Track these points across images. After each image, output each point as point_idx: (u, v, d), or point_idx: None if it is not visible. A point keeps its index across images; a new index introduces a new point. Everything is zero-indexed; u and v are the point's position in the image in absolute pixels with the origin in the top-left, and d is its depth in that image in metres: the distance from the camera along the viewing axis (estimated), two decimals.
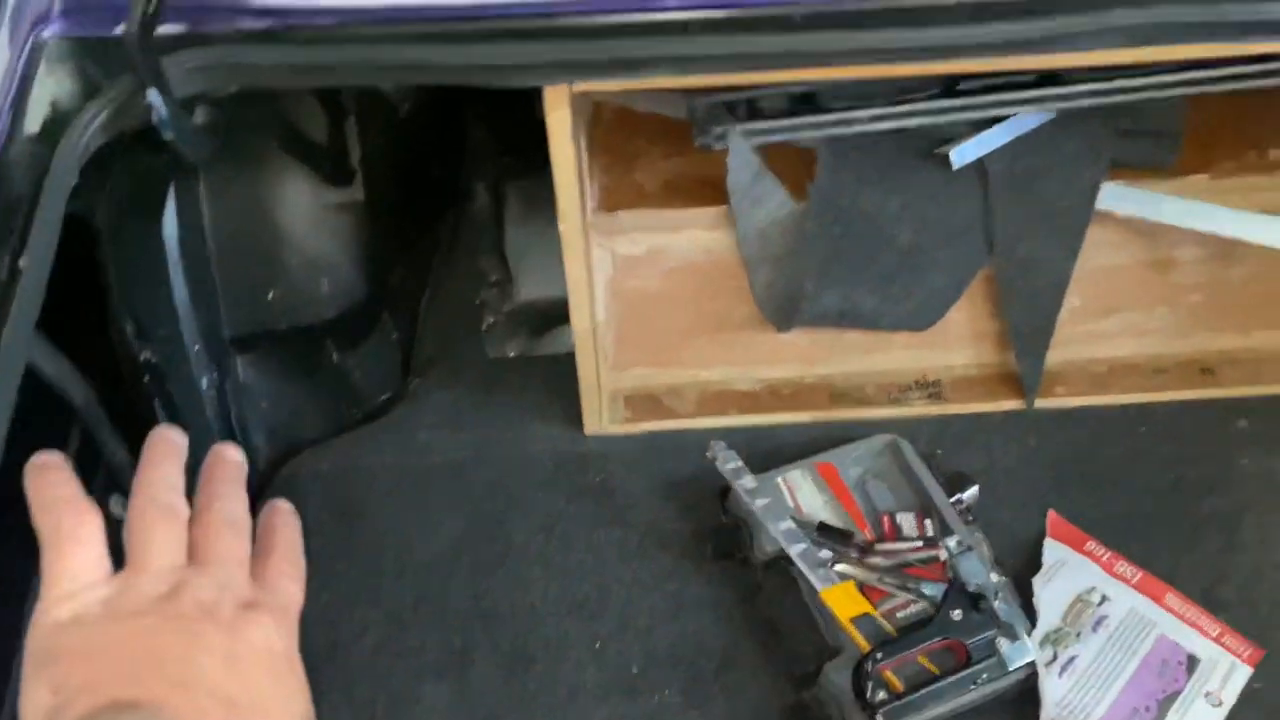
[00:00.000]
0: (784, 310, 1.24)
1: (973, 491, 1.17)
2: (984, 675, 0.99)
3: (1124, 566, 1.12)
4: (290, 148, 1.19)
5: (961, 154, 1.22)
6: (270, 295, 1.24)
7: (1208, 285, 1.28)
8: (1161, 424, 1.24)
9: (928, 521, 1.12)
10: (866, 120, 1.23)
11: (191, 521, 0.72)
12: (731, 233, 1.25)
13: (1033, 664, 1.01)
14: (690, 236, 1.26)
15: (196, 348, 1.17)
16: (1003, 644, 1.01)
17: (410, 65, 0.78)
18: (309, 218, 1.24)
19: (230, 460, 0.79)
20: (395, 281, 1.35)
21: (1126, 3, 0.78)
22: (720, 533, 1.15)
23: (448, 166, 1.51)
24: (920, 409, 1.26)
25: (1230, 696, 1.02)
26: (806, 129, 1.24)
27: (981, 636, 1.01)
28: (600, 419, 1.26)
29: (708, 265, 1.27)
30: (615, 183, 1.30)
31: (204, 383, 1.19)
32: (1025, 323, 1.24)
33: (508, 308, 1.41)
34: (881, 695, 0.98)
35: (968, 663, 1.00)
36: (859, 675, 0.98)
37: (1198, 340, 1.28)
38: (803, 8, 0.77)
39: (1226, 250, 1.26)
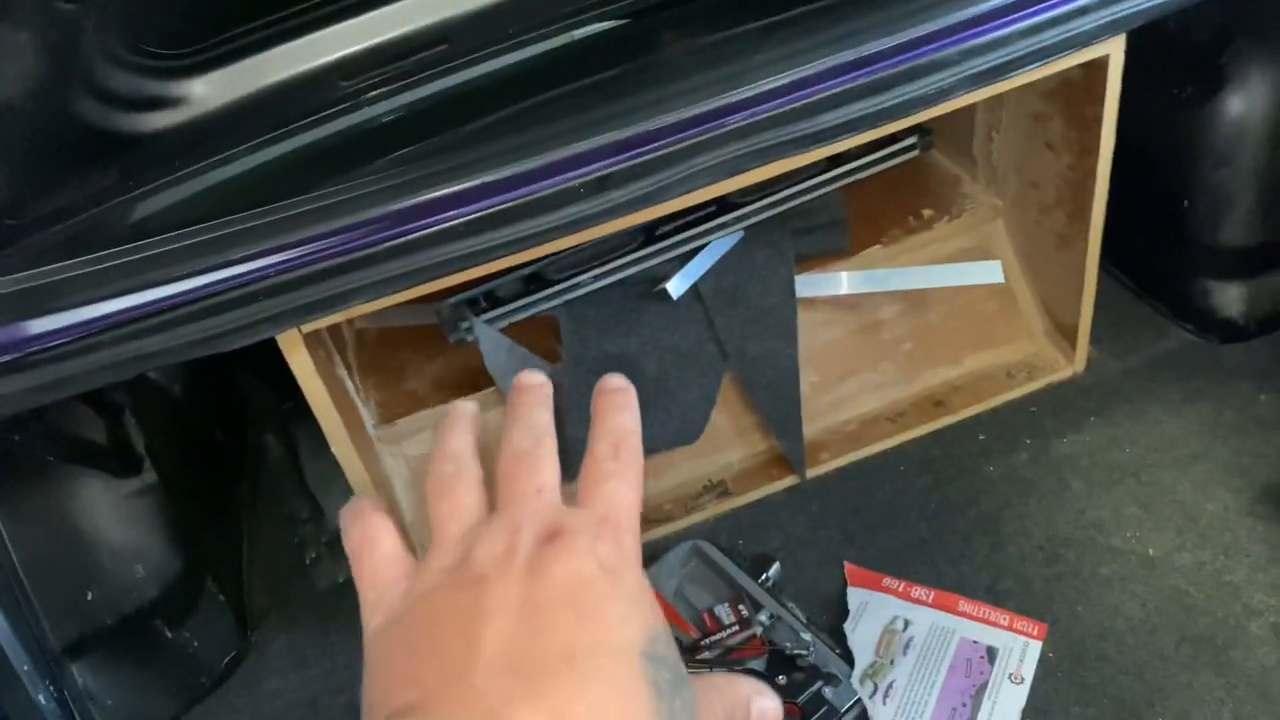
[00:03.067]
0: (566, 462, 1.36)
1: (776, 567, 1.29)
2: None
3: (918, 591, 1.26)
4: (73, 455, 1.26)
5: (677, 286, 1.41)
6: (89, 596, 1.28)
7: (914, 333, 1.48)
8: (915, 459, 1.41)
9: (742, 606, 1.23)
10: (590, 281, 1.41)
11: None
12: (499, 410, 1.39)
13: (859, 700, 1.12)
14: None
15: (25, 667, 1.19)
16: (828, 692, 1.12)
17: (144, 355, 0.88)
18: (108, 513, 1.29)
19: (525, 385, 0.75)
20: (209, 546, 1.40)
21: (706, 149, 0.96)
22: None
23: (233, 427, 1.59)
24: (715, 509, 1.39)
25: (1029, 671, 1.16)
26: (541, 302, 1.41)
27: (808, 692, 1.12)
28: None
29: (494, 442, 1.39)
30: (390, 395, 1.42)
31: (42, 699, 1.21)
32: (775, 409, 1.41)
33: (325, 538, 1.48)
34: None
35: (804, 719, 1.10)
36: None
37: (922, 380, 1.47)
38: (463, 218, 0.92)
39: (917, 300, 1.48)
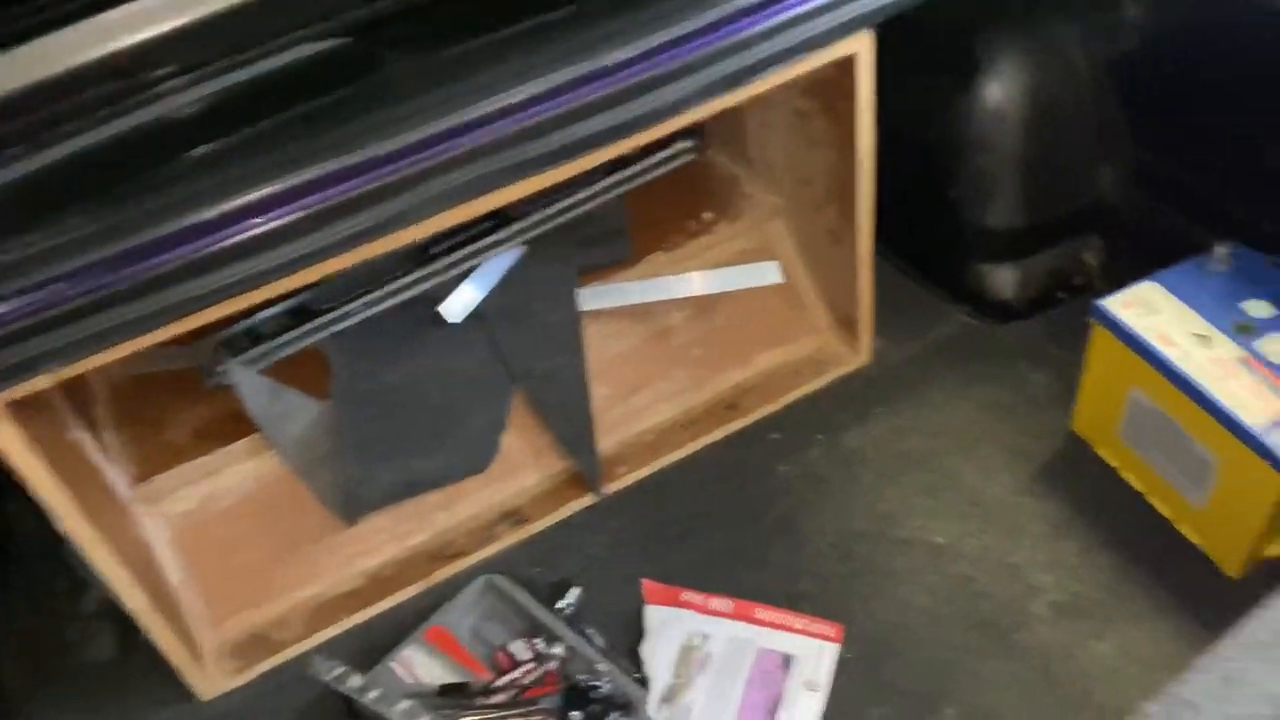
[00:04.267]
0: (348, 504, 1.28)
1: (574, 593, 1.25)
2: None
3: (718, 602, 1.24)
4: None
5: (452, 309, 1.35)
6: None
7: (703, 338, 1.46)
8: (712, 465, 1.39)
9: (538, 641, 1.18)
10: (360, 310, 1.33)
11: None
12: (274, 454, 1.29)
13: None
14: (235, 473, 1.29)
15: None
16: None
17: None
18: None
19: None
20: None
21: (442, 171, 0.90)
22: None
23: None
24: (511, 538, 1.34)
25: (825, 676, 1.15)
26: (307, 336, 1.32)
27: None
28: (209, 681, 1.23)
29: (264, 492, 1.30)
30: (146, 450, 1.30)
31: None
32: (567, 428, 1.36)
33: (88, 610, 1.35)
34: None
35: None
36: None
37: (714, 384, 1.45)
38: (168, 265, 0.83)
39: (704, 304, 1.46)
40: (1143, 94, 1.41)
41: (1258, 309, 1.17)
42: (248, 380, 1.25)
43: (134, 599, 1.11)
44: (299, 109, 0.97)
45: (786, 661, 1.16)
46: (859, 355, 1.47)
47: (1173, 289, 1.21)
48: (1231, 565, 1.18)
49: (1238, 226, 1.32)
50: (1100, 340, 1.23)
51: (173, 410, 1.34)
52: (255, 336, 1.31)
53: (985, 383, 1.44)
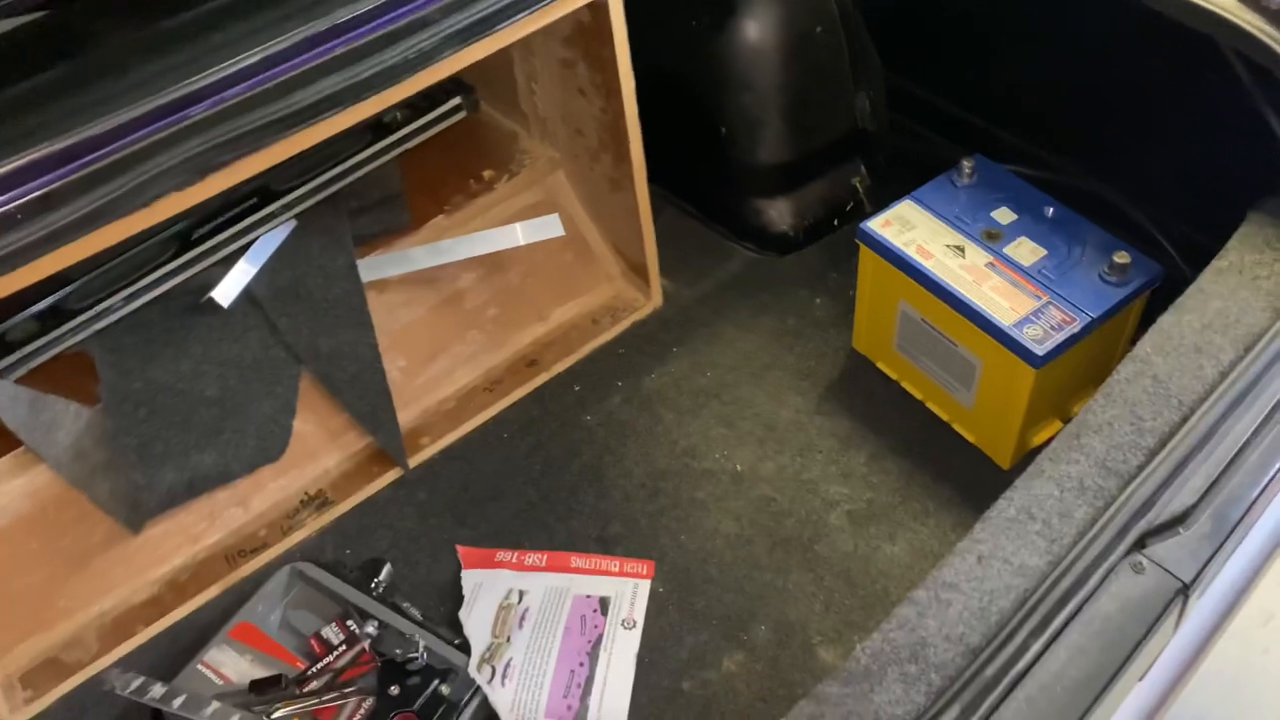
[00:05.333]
0: (132, 511, 1.22)
1: (387, 569, 1.23)
2: None
3: (532, 557, 1.24)
4: None
5: (226, 293, 1.28)
6: None
7: (497, 297, 1.45)
8: (517, 423, 1.39)
9: (350, 622, 1.15)
10: (121, 305, 1.24)
11: None
12: (45, 467, 1.21)
13: (477, 689, 1.09)
14: (3, 493, 1.20)
15: None
16: (445, 689, 1.08)
17: None
18: None
19: None
20: None
21: (166, 147, 0.85)
22: None
23: None
24: (316, 523, 1.30)
25: (640, 613, 1.18)
26: (65, 338, 1.23)
27: (423, 696, 1.07)
28: (2, 715, 1.15)
29: (38, 508, 1.21)
30: None
31: None
32: (363, 404, 1.33)
33: None
34: None
35: None
36: None
37: (512, 343, 1.45)
38: None
39: (494, 263, 1.45)
40: (886, 18, 1.47)
41: (1003, 215, 1.25)
42: (2, 392, 1.16)
43: None
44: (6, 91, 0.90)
45: (603, 604, 1.18)
46: (651, 300, 1.49)
47: (927, 205, 1.28)
48: (1003, 457, 1.27)
49: (981, 139, 1.41)
50: (867, 260, 1.29)
51: None
52: (4, 344, 1.21)
53: (772, 313, 1.49)
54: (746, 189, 1.55)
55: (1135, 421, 0.86)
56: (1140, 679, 0.85)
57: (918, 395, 1.35)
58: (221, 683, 1.13)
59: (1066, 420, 1.04)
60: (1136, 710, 0.92)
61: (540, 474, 1.34)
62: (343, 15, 0.94)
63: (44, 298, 1.24)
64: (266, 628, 1.18)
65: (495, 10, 1.00)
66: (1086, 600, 0.77)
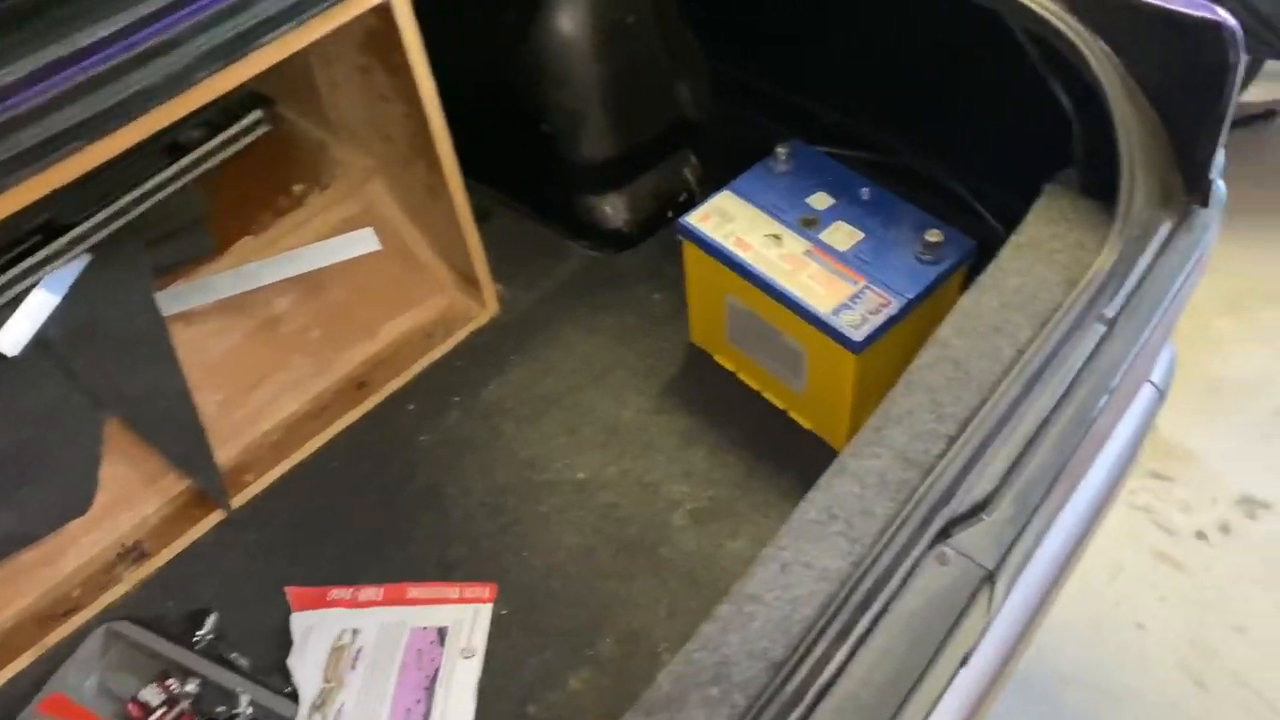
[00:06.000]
0: None
1: (212, 619, 1.16)
2: None
3: (367, 592, 1.19)
4: None
5: (12, 341, 1.19)
6: None
7: (319, 318, 1.38)
8: (349, 450, 1.33)
9: (171, 681, 1.09)
10: None
11: None
12: None
13: None
14: None
15: None
16: None
17: None
18: None
19: None
20: None
21: None
22: None
23: None
24: (135, 576, 1.22)
25: (480, 639, 1.14)
26: None
27: None
28: None
29: None
30: None
31: None
32: (176, 445, 1.25)
33: None
34: None
35: None
36: None
37: (340, 365, 1.38)
38: None
39: (313, 283, 1.38)
40: (703, 3, 1.45)
41: (819, 201, 1.24)
42: None
43: None
44: None
45: (441, 635, 1.14)
46: (486, 308, 1.44)
47: (745, 195, 1.26)
48: (838, 440, 1.26)
49: (804, 121, 1.39)
50: (691, 254, 1.27)
51: None
52: None
53: (611, 312, 1.46)
54: (576, 186, 1.51)
55: (935, 409, 0.85)
56: (963, 664, 0.85)
57: (754, 385, 1.33)
58: None
59: None
60: (964, 695, 0.92)
61: (375, 502, 1.28)
62: (83, 39, 0.87)
63: None
64: (80, 697, 1.10)
65: (254, 25, 0.94)
66: (892, 599, 0.76)
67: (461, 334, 1.43)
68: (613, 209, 1.51)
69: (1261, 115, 2.28)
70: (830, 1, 1.33)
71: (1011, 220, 1.03)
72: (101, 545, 1.24)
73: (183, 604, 1.20)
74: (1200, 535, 1.67)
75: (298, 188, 1.39)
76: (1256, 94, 2.24)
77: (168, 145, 1.33)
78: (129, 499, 1.26)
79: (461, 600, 1.17)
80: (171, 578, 1.23)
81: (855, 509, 0.80)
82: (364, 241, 1.31)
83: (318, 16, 1.01)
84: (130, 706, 1.08)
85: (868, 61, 1.34)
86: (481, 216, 1.46)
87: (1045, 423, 0.85)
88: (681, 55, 1.47)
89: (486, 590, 1.18)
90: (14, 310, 1.21)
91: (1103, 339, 0.89)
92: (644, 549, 1.21)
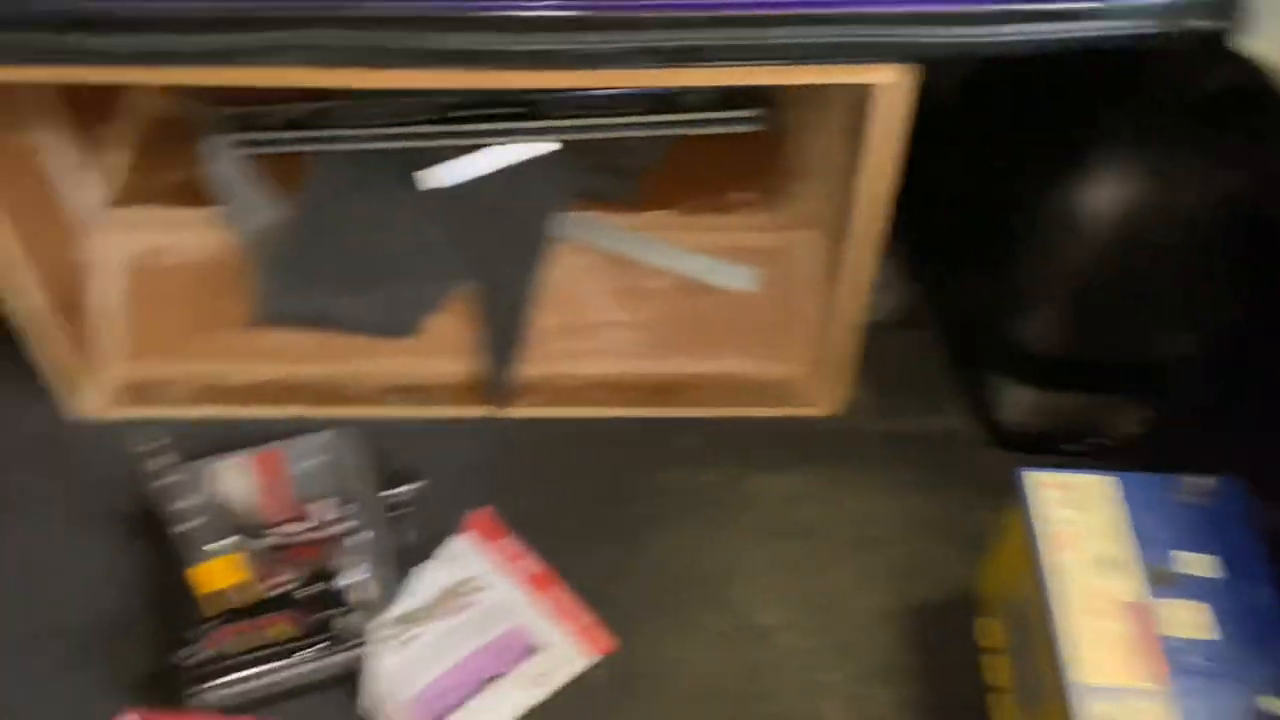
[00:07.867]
0: (258, 307, 1.31)
1: (410, 488, 1.23)
2: (313, 651, 1.07)
3: (527, 562, 1.19)
4: None
5: (431, 178, 1.32)
6: None
7: (676, 313, 1.36)
8: (609, 438, 1.32)
9: (345, 509, 1.18)
10: (351, 140, 1.33)
11: None
12: (232, 235, 1.34)
13: (363, 641, 1.08)
14: (193, 235, 1.34)
15: None
16: (338, 624, 1.08)
17: None
18: None
19: None
20: None
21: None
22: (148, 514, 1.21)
23: None
24: (396, 411, 1.33)
25: (559, 680, 1.09)
26: (300, 143, 1.34)
27: (321, 615, 1.08)
28: (83, 403, 1.32)
29: (210, 264, 1.35)
30: (140, 179, 1.38)
31: None
32: (495, 337, 1.33)
33: None
34: (208, 655, 1.05)
35: (303, 637, 1.07)
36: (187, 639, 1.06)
37: (661, 363, 1.36)
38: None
39: (689, 282, 1.36)
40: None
41: (1195, 564, 0.95)
42: (225, 161, 1.29)
43: (21, 298, 1.20)
44: None
45: (530, 650, 1.11)
46: (823, 405, 1.34)
47: (1125, 492, 1.00)
48: None
49: None
50: (1014, 510, 1.05)
51: (183, 155, 1.39)
52: (253, 124, 1.35)
53: (929, 495, 1.27)
54: (998, 357, 1.31)
55: None
56: None
57: (989, 680, 1.10)
58: (210, 490, 1.17)
59: None
60: None
61: (590, 498, 1.27)
62: None
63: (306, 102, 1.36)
64: (292, 468, 1.23)
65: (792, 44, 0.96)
66: None
67: (782, 410, 1.34)
68: (1013, 398, 1.30)
69: None
70: None
71: None
72: (389, 370, 1.36)
73: (401, 457, 1.26)
74: None
75: (743, 195, 1.37)
76: None
77: (664, 96, 1.37)
78: (431, 350, 1.35)
79: (579, 634, 1.13)
80: (414, 434, 1.31)
81: None
82: (738, 277, 1.26)
83: (813, 66, 0.97)
84: (302, 505, 1.19)
85: None
86: (901, 322, 1.36)
87: None
88: (1200, 299, 1.19)
89: (603, 643, 1.13)
90: (456, 156, 1.34)
91: None
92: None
